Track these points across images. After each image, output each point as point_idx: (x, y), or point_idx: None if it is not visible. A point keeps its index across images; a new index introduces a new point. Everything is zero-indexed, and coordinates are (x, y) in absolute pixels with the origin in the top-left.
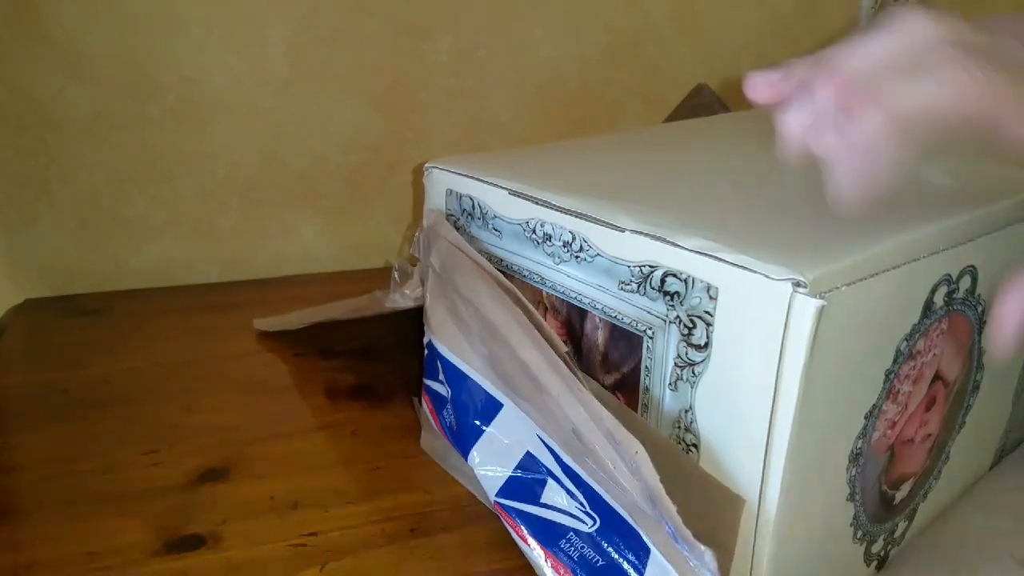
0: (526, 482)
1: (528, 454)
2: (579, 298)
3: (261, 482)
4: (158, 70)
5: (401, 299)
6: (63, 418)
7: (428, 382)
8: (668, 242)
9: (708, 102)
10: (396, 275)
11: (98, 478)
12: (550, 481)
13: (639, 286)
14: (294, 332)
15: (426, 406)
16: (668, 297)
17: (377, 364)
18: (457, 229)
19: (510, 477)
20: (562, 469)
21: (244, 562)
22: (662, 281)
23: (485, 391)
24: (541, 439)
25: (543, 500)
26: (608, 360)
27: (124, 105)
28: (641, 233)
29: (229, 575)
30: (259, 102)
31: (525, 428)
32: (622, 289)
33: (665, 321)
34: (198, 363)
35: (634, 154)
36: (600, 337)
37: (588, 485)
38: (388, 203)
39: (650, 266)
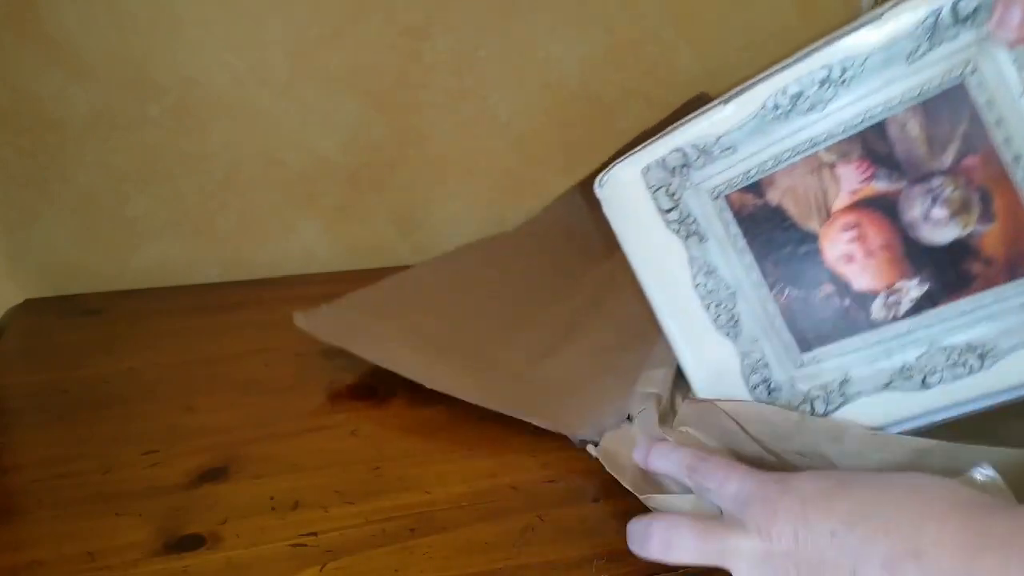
0: None
1: None
2: (869, 114)
3: (261, 482)
4: (158, 70)
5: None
6: (63, 418)
7: None
8: None
9: None
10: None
11: (98, 478)
12: None
13: (930, 39)
14: (294, 331)
15: None
16: (967, 22)
17: (377, 364)
18: (672, 199)
19: None
20: None
21: (244, 562)
22: (954, 10)
23: None
24: None
25: None
26: (936, 140)
27: (124, 105)
28: None
29: (229, 575)
30: (259, 102)
31: None
32: (912, 61)
33: (977, 44)
34: (198, 363)
35: None
36: (915, 127)
37: None
38: (388, 203)
39: (935, 11)
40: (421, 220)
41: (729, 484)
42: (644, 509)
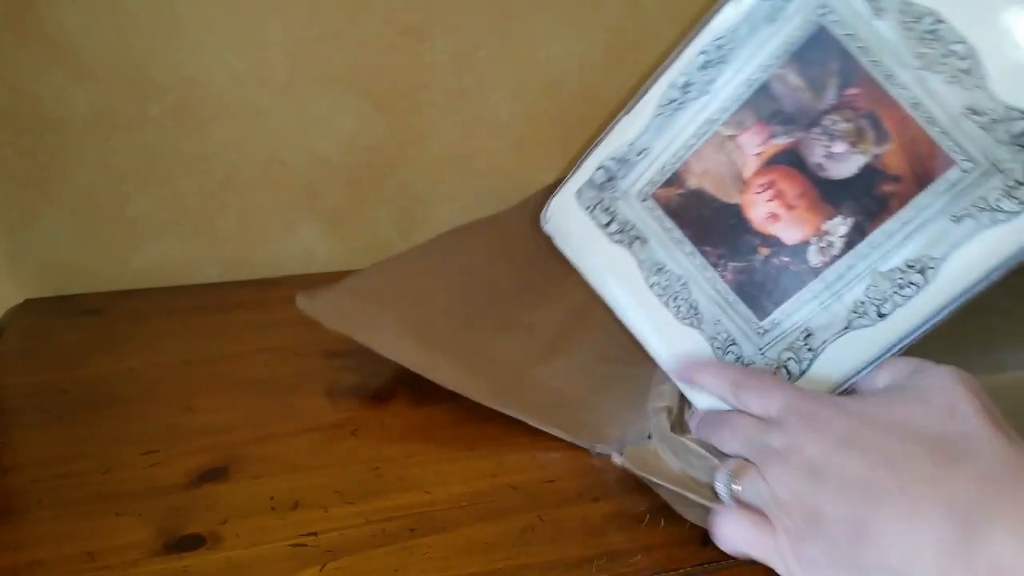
0: None
1: None
2: (751, 81)
3: (261, 482)
4: (158, 70)
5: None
6: (63, 418)
7: None
8: None
9: None
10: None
11: (98, 478)
12: None
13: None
14: (294, 331)
15: None
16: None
17: (377, 364)
18: (608, 212)
19: None
20: None
21: (244, 562)
22: None
23: None
24: None
25: None
26: (816, 83)
27: (124, 105)
28: None
29: (229, 575)
30: (259, 102)
31: None
32: (773, 20)
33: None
34: (198, 363)
35: None
36: (794, 78)
37: None
38: (388, 203)
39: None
40: (421, 220)
41: (773, 399)
42: (643, 509)
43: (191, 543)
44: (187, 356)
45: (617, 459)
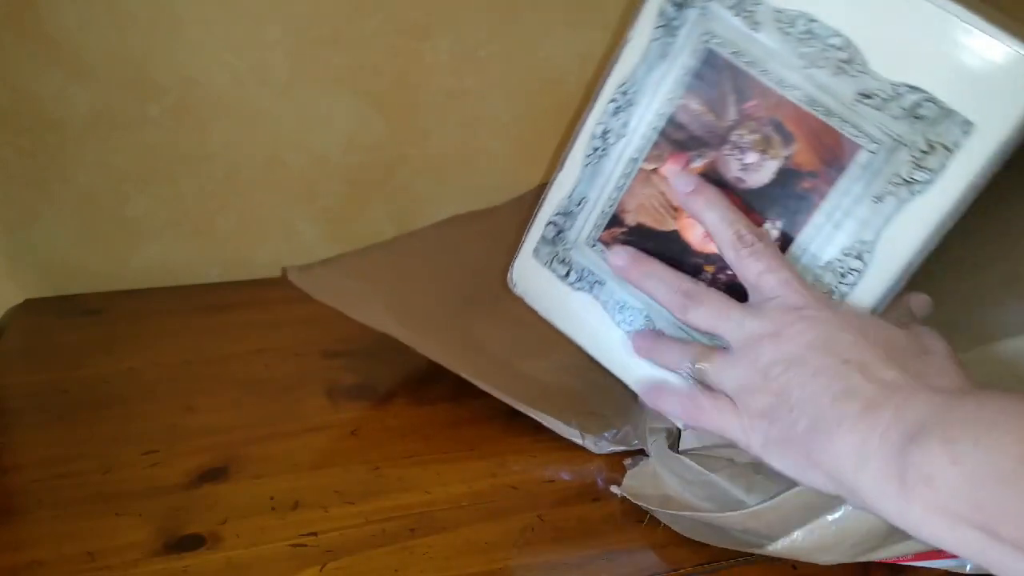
0: None
1: None
2: (660, 115)
3: (261, 482)
4: (158, 70)
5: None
6: (63, 418)
7: None
8: None
9: None
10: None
11: (98, 478)
12: None
13: (667, 31)
14: (294, 331)
15: None
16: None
17: (377, 364)
18: (564, 264)
19: None
20: None
21: (244, 562)
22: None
23: None
24: None
25: None
26: (717, 104)
27: (124, 105)
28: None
29: (229, 575)
30: (259, 102)
31: None
32: (666, 55)
33: (701, 14)
34: (198, 363)
35: None
36: (696, 104)
37: None
38: (388, 203)
39: (660, 9)
40: (421, 220)
41: (764, 282)
42: (643, 509)
43: (191, 543)
44: (187, 356)
45: (616, 490)
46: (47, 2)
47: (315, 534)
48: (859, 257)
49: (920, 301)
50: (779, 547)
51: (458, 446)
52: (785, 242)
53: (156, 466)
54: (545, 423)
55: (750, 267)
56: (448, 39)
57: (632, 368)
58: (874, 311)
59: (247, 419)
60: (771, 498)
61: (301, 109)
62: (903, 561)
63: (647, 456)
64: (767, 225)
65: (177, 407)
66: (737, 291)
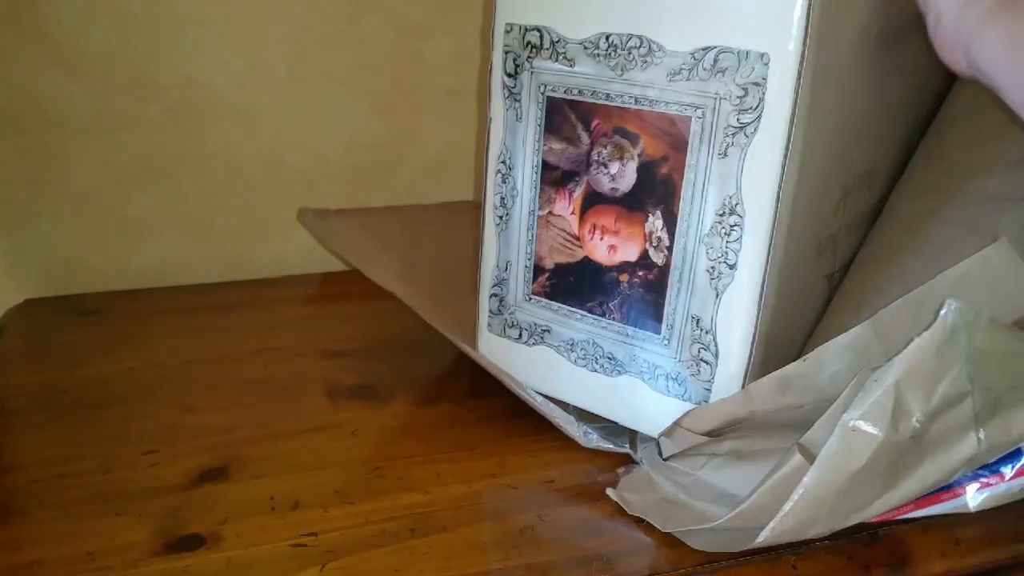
0: None
1: None
2: (535, 167)
3: (261, 482)
4: (158, 70)
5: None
6: (63, 418)
7: None
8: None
9: None
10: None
11: (98, 478)
12: None
13: (512, 98)
14: (294, 332)
15: None
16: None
17: (377, 364)
18: (517, 67)
19: None
20: None
21: (244, 562)
22: (507, 66)
23: None
24: None
25: None
26: (570, 136)
27: (124, 105)
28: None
29: (229, 575)
30: (259, 102)
31: None
32: (516, 119)
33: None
34: (198, 363)
35: None
36: (555, 143)
37: None
38: (388, 203)
39: (500, 81)
40: None
41: None
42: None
43: (191, 543)
44: (187, 356)
45: (611, 492)
46: (47, 2)
47: (315, 534)
48: (733, 211)
49: None
50: (769, 537)
51: (458, 446)
52: (670, 224)
53: (156, 466)
54: (534, 404)
55: None
56: (448, 39)
57: (610, 403)
58: (769, 263)
59: (247, 419)
60: (747, 498)
61: (301, 109)
62: (891, 518)
63: (638, 464)
64: (651, 218)
65: (177, 407)
66: (653, 290)
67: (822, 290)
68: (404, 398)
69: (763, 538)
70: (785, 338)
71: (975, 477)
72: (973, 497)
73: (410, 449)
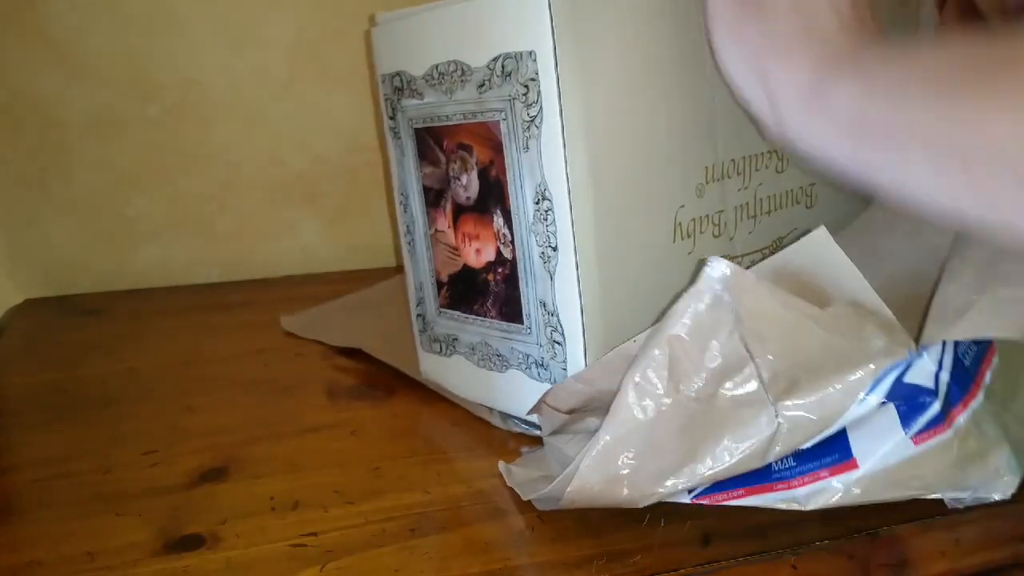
0: None
1: None
2: (417, 195)
3: (261, 482)
4: (158, 70)
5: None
6: (63, 418)
7: None
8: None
9: None
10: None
11: (97, 478)
12: None
13: (395, 136)
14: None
15: None
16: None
17: (377, 364)
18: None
19: None
20: None
21: (244, 562)
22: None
23: None
24: None
25: None
26: (433, 160)
27: (124, 105)
28: None
29: (229, 575)
30: (259, 102)
31: None
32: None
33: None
34: (198, 363)
35: None
36: (425, 168)
37: None
38: (388, 203)
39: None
40: None
41: None
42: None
43: (191, 543)
44: (187, 356)
45: (502, 467)
46: (47, 2)
47: (315, 534)
48: (544, 198)
49: None
50: (573, 495)
51: (458, 446)
52: (508, 220)
53: (156, 466)
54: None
55: None
56: None
57: (508, 397)
58: (576, 240)
59: (247, 419)
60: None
61: (301, 109)
62: (721, 501)
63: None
64: (495, 216)
65: (177, 407)
66: (510, 284)
67: (691, 267)
68: (404, 398)
69: (568, 497)
70: (643, 313)
71: (804, 472)
72: (806, 493)
73: (410, 449)
